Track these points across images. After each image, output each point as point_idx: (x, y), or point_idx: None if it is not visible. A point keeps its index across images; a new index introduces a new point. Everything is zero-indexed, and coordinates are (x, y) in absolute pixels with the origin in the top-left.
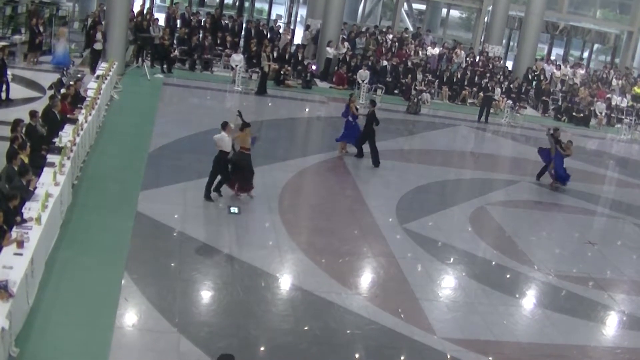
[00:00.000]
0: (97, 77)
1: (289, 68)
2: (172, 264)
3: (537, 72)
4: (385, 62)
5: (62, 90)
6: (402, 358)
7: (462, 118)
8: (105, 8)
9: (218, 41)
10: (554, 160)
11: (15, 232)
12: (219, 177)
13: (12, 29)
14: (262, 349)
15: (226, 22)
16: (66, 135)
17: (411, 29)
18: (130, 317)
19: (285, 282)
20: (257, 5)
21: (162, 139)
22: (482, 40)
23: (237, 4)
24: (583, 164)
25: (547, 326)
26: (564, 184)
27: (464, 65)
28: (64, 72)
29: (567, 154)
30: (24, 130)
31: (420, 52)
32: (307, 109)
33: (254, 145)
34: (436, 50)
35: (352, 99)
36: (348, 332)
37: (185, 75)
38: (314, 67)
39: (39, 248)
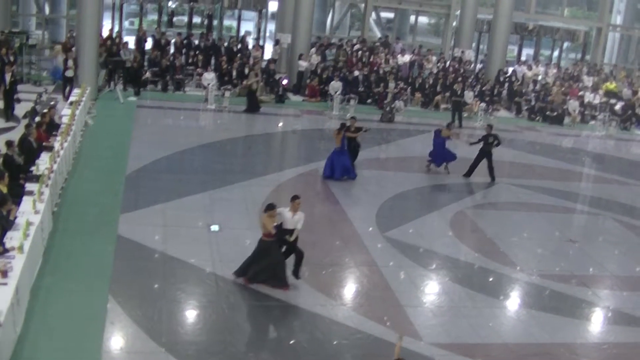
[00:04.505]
0: (70, 103)
1: (261, 83)
2: (156, 285)
3: (509, 74)
4: (356, 72)
5: (37, 119)
6: None
7: (436, 124)
8: (75, 34)
9: (189, 60)
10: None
11: None
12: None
13: None
14: None
15: (196, 41)
16: (43, 163)
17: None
18: (117, 340)
19: (269, 297)
20: (226, 22)
21: (139, 161)
22: (452, 45)
23: (205, 22)
24: (559, 162)
25: (532, 326)
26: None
27: (435, 71)
28: (38, 100)
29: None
30: (1, 161)
31: (390, 61)
32: (281, 123)
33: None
34: (406, 58)
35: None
36: (335, 342)
37: (158, 96)
38: (285, 82)
39: (23, 276)
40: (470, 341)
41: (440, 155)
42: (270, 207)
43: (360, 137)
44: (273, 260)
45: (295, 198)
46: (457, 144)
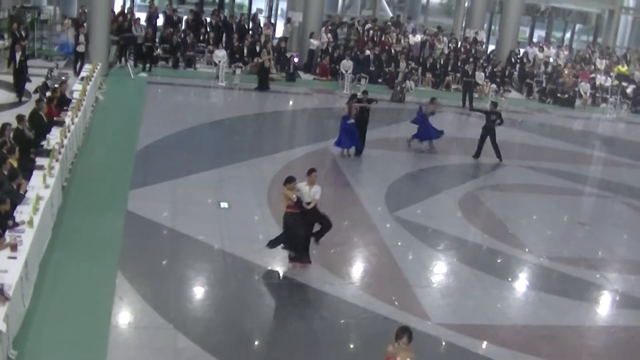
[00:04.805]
0: (82, 78)
1: (273, 61)
2: (165, 261)
3: (520, 56)
4: (368, 52)
5: (48, 94)
6: None
7: (446, 104)
8: (86, 10)
9: (201, 38)
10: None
11: (8, 236)
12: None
13: None
14: (257, 342)
15: (208, 18)
16: (54, 137)
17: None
18: (125, 315)
19: (277, 275)
20: (237, 0)
21: (149, 137)
22: (463, 25)
23: (217, 0)
24: (570, 144)
25: (540, 308)
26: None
27: (446, 51)
28: (49, 75)
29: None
30: (12, 135)
31: (402, 40)
32: (291, 102)
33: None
34: (418, 38)
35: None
36: (342, 321)
37: (169, 73)
38: (296, 60)
39: (33, 251)
40: (477, 322)
41: (425, 131)
42: (289, 180)
43: (372, 111)
44: (297, 232)
45: (311, 171)
46: (467, 124)
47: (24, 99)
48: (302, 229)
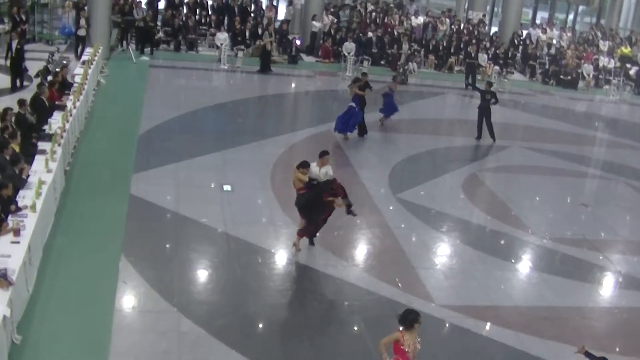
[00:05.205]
0: (83, 62)
1: (275, 43)
2: (168, 245)
3: (523, 37)
4: (370, 34)
5: (49, 78)
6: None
7: (449, 86)
8: None
9: (202, 20)
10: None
11: (11, 221)
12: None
13: None
14: (261, 325)
15: (209, 0)
16: (56, 122)
17: None
18: (129, 299)
19: (281, 257)
20: None
21: (151, 121)
22: (465, 7)
23: None
24: (573, 126)
25: (544, 289)
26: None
27: (449, 33)
28: (50, 59)
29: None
30: (13, 120)
31: (404, 22)
32: (294, 84)
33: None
34: (420, 20)
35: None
36: (346, 303)
37: (170, 56)
38: (298, 42)
39: (36, 235)
40: (481, 303)
41: (392, 108)
42: (303, 165)
43: (367, 96)
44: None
45: (324, 153)
46: (470, 106)
47: (25, 83)
48: (315, 210)
